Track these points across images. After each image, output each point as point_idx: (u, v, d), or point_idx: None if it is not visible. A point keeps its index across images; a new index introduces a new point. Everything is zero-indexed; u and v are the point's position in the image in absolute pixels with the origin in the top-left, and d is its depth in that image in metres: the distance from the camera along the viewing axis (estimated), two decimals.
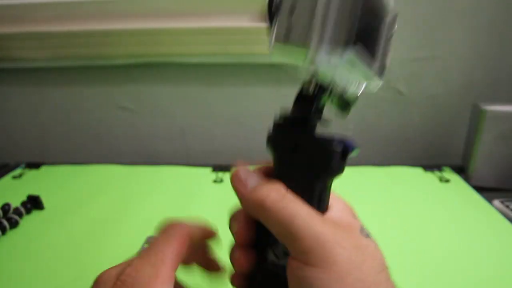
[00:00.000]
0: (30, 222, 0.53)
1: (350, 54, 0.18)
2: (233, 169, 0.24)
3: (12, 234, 0.50)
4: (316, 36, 0.18)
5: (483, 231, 0.50)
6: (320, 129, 0.23)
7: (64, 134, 0.84)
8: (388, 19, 0.22)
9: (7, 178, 0.68)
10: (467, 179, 0.65)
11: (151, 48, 0.71)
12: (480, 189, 0.61)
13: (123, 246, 0.47)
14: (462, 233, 0.49)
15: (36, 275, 0.42)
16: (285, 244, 0.21)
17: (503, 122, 0.61)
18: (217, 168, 0.70)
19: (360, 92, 0.23)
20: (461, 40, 0.71)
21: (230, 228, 0.26)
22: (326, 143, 0.22)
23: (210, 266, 0.28)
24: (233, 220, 0.26)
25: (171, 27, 0.70)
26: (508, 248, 0.46)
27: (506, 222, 0.51)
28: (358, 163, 0.71)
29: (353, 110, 0.77)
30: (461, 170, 0.68)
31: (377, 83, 0.23)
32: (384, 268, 0.21)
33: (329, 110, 0.25)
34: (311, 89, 0.22)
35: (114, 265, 0.23)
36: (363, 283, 0.19)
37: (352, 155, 0.22)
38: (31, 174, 0.70)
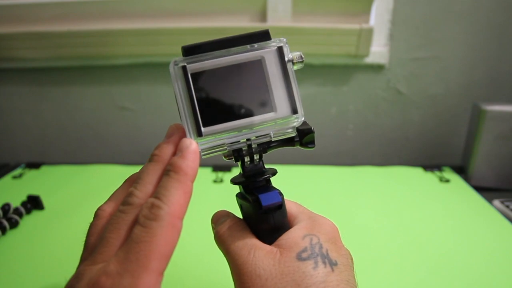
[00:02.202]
0: (30, 222, 0.53)
1: (205, 137, 0.23)
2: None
3: (12, 234, 0.50)
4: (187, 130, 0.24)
5: (483, 231, 0.49)
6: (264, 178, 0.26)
7: (64, 134, 0.84)
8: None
9: (7, 178, 0.68)
10: (467, 179, 0.65)
11: (151, 48, 0.71)
12: (480, 189, 0.61)
13: None
14: (462, 233, 0.49)
15: (36, 275, 0.42)
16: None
17: (503, 122, 0.61)
18: (217, 168, 0.70)
19: (286, 131, 0.26)
20: (461, 40, 0.71)
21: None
22: (252, 205, 0.25)
23: None
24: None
25: (171, 27, 0.70)
26: (508, 248, 0.46)
27: (506, 222, 0.51)
28: (358, 163, 0.71)
29: (353, 110, 0.78)
30: (461, 170, 0.68)
31: (295, 119, 0.25)
32: None
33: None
34: (228, 159, 0.26)
35: (82, 256, 0.21)
36: None
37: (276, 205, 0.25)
38: (31, 174, 0.70)
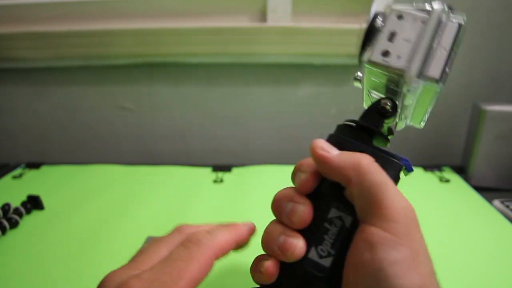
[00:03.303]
0: (30, 222, 0.53)
1: (438, 88, 0.25)
2: (313, 142, 0.25)
3: (12, 234, 0.50)
4: (415, 68, 0.24)
5: (483, 231, 0.49)
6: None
7: (64, 134, 0.84)
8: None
9: (7, 178, 0.68)
10: (467, 179, 0.65)
11: (151, 48, 0.71)
12: (480, 189, 0.61)
13: (123, 246, 0.47)
14: (462, 233, 0.49)
15: (36, 275, 0.42)
16: (366, 208, 0.22)
17: (503, 122, 0.61)
18: (217, 168, 0.70)
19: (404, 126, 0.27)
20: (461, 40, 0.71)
21: (293, 177, 0.26)
22: (390, 158, 0.25)
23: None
24: (299, 171, 0.26)
25: (171, 27, 0.70)
26: (508, 248, 0.46)
27: (506, 222, 0.51)
28: None
29: (353, 110, 0.78)
30: (461, 170, 0.68)
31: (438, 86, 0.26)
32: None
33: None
34: (388, 107, 0.26)
35: (122, 265, 0.21)
36: (430, 268, 0.20)
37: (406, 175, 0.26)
38: (31, 174, 0.70)
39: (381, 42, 0.25)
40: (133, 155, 0.84)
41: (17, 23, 0.75)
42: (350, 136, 0.26)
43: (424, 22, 0.24)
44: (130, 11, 0.74)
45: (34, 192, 0.57)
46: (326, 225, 0.24)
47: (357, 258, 0.21)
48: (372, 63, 0.25)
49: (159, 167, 0.72)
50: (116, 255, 0.44)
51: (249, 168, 0.70)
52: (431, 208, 0.56)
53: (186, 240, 0.22)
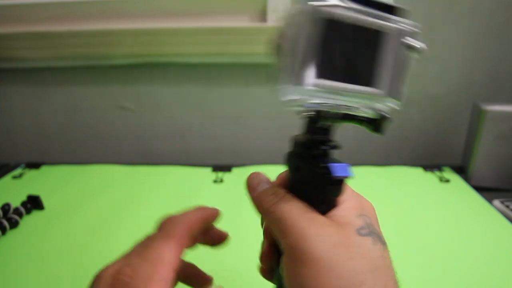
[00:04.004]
0: (30, 222, 0.53)
1: (310, 88, 0.21)
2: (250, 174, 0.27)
3: (12, 234, 0.50)
4: (285, 75, 0.21)
5: (483, 231, 0.49)
6: (326, 153, 0.25)
7: (64, 134, 0.84)
8: (386, 46, 0.23)
9: (7, 178, 0.68)
10: (467, 179, 0.65)
11: (151, 48, 0.71)
12: (480, 189, 0.61)
13: (123, 246, 0.47)
14: (462, 233, 0.49)
15: (36, 275, 0.42)
16: (278, 242, 0.23)
17: (503, 122, 0.61)
18: (217, 168, 0.70)
19: (380, 112, 0.25)
20: (461, 40, 0.71)
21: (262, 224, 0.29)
22: (320, 172, 0.23)
23: (215, 240, 0.31)
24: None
25: (171, 27, 0.70)
26: (508, 248, 0.46)
27: (506, 222, 0.51)
28: (358, 163, 0.71)
29: None
30: (461, 170, 0.68)
31: (392, 104, 0.24)
32: (375, 269, 0.21)
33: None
34: (306, 117, 0.24)
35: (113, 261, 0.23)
36: (343, 281, 0.19)
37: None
38: (31, 174, 0.70)
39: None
40: (133, 155, 0.84)
41: (17, 23, 0.75)
42: (290, 154, 0.26)
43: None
44: (130, 11, 0.74)
45: (34, 192, 0.57)
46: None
47: None
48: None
49: (159, 167, 0.72)
50: (116, 255, 0.44)
51: (249, 168, 0.69)
52: (431, 208, 0.56)
53: (160, 223, 0.25)
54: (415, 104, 0.77)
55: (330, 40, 0.21)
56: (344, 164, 0.24)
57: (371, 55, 0.23)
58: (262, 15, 0.73)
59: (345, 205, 0.24)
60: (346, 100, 0.23)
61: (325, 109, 0.23)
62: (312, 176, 0.24)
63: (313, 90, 0.21)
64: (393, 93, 0.24)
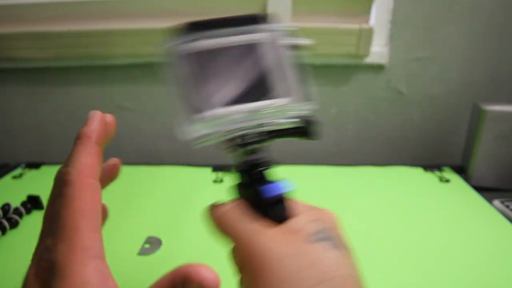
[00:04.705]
0: (30, 222, 0.53)
1: (199, 122, 0.21)
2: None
3: (12, 234, 0.50)
4: (183, 115, 0.22)
5: (483, 231, 0.49)
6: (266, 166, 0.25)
7: (64, 134, 0.84)
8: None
9: (7, 178, 0.68)
10: (467, 179, 0.65)
11: (151, 48, 0.71)
12: (480, 189, 0.61)
13: (123, 246, 0.47)
14: (462, 233, 0.49)
15: None
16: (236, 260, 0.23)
17: (503, 122, 0.61)
18: (217, 168, 0.70)
19: (298, 118, 0.24)
20: (461, 40, 0.71)
21: (233, 260, 0.27)
22: (255, 196, 0.24)
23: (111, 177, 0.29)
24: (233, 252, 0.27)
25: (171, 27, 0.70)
26: (508, 248, 0.46)
27: (506, 222, 0.51)
28: (358, 163, 0.71)
29: (353, 110, 0.77)
30: (461, 170, 0.68)
31: (306, 107, 0.24)
32: (328, 279, 0.19)
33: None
34: (227, 150, 0.24)
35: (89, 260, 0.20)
36: None
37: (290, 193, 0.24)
38: (31, 174, 0.70)
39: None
40: (133, 155, 0.84)
41: (17, 23, 0.75)
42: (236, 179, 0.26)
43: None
44: (130, 11, 0.74)
45: (34, 192, 0.57)
46: None
47: None
48: None
49: (159, 167, 0.72)
50: (116, 254, 0.44)
51: None
52: (431, 208, 0.56)
53: (57, 187, 0.21)
54: (415, 104, 0.77)
55: (211, 68, 0.21)
56: (283, 181, 0.24)
57: (259, 69, 0.22)
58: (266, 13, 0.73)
59: (299, 215, 0.23)
60: (256, 118, 0.22)
61: (243, 133, 0.23)
62: (252, 199, 0.24)
63: (218, 118, 0.21)
64: (300, 97, 0.23)
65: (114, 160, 0.28)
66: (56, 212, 0.20)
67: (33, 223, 0.53)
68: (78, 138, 0.22)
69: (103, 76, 0.78)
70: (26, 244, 0.47)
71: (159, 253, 0.46)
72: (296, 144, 0.78)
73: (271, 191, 0.23)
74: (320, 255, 0.20)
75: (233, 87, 0.22)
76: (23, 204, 0.54)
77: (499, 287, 0.40)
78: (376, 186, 0.63)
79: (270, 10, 0.71)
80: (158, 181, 0.66)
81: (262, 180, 0.24)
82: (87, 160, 0.21)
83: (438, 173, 0.68)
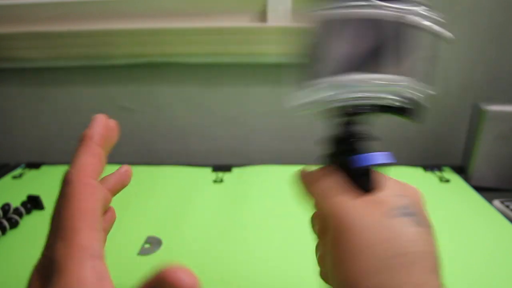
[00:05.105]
0: (30, 222, 0.53)
1: (317, 86, 0.22)
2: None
3: (12, 234, 0.50)
4: (313, 74, 0.23)
5: (483, 231, 0.50)
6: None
7: (64, 134, 0.84)
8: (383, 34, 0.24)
9: (7, 178, 0.68)
10: (467, 179, 0.65)
11: (151, 48, 0.71)
12: (480, 189, 0.61)
13: (123, 246, 0.47)
14: (462, 233, 0.49)
15: None
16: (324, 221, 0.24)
17: (503, 122, 0.61)
18: (217, 168, 0.70)
19: (413, 97, 0.25)
20: (461, 40, 0.71)
21: (312, 227, 0.29)
22: (345, 164, 0.24)
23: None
24: (314, 219, 0.29)
25: (171, 27, 0.70)
26: (508, 248, 0.46)
27: (506, 222, 0.51)
28: None
29: (353, 110, 0.75)
30: (461, 170, 0.68)
31: (424, 89, 0.25)
32: (404, 254, 0.20)
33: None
34: (338, 116, 0.25)
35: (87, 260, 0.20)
36: (377, 262, 0.20)
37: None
38: (31, 174, 0.70)
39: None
40: (133, 155, 0.84)
41: (17, 23, 0.75)
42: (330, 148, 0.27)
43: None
44: (130, 11, 0.74)
45: (34, 192, 0.57)
46: None
47: None
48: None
49: (159, 167, 0.72)
50: (116, 254, 0.44)
51: (249, 168, 0.70)
52: (431, 208, 0.56)
53: (61, 188, 0.21)
54: None
55: (349, 36, 0.22)
56: (378, 153, 0.25)
57: (392, 45, 0.23)
58: (262, 15, 0.73)
59: (387, 189, 0.24)
60: (375, 89, 0.23)
61: (354, 103, 0.24)
62: (344, 167, 0.25)
63: (346, 80, 0.22)
64: (421, 78, 0.24)
65: (125, 167, 0.29)
66: (56, 211, 0.20)
67: (33, 223, 0.53)
68: (80, 140, 0.23)
69: (103, 76, 0.78)
70: (26, 244, 0.48)
71: (159, 253, 0.46)
72: (296, 144, 0.78)
73: (365, 160, 0.24)
74: (400, 230, 0.21)
75: (355, 58, 0.23)
76: (23, 204, 0.54)
77: (499, 287, 0.40)
78: None
79: (270, 10, 0.71)
80: (158, 181, 0.66)
81: (358, 150, 0.25)
82: (88, 160, 0.22)
83: (438, 173, 0.68)
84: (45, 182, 0.66)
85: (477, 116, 0.63)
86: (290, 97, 0.23)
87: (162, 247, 0.47)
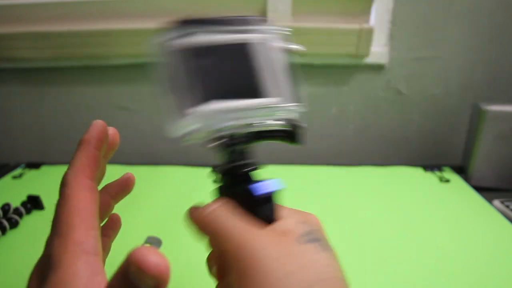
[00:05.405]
0: (30, 222, 0.53)
1: (188, 117, 0.21)
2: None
3: (12, 234, 0.50)
4: (174, 109, 0.22)
5: (483, 231, 0.50)
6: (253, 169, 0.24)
7: (64, 134, 0.84)
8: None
9: (7, 178, 0.68)
10: (467, 179, 0.65)
11: (146, 46, 0.71)
12: (480, 189, 0.61)
13: (123, 246, 0.47)
14: (462, 233, 0.49)
15: None
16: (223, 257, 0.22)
17: (503, 122, 0.61)
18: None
19: (285, 122, 0.24)
20: (461, 40, 0.71)
21: (209, 270, 0.28)
22: (243, 194, 0.23)
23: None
24: (210, 261, 0.28)
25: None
26: (508, 248, 0.46)
27: (506, 222, 0.51)
28: (358, 163, 0.71)
29: (353, 110, 0.77)
30: (461, 170, 0.68)
31: (295, 108, 0.24)
32: (322, 279, 0.19)
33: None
34: (217, 148, 0.24)
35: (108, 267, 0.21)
36: None
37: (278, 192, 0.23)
38: (31, 174, 0.70)
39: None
40: (133, 155, 0.84)
41: (17, 23, 0.75)
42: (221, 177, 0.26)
43: None
44: (130, 11, 0.74)
45: (34, 192, 0.57)
46: None
47: None
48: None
49: (159, 167, 0.72)
50: (115, 254, 0.44)
51: None
52: (431, 208, 0.56)
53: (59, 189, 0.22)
54: (415, 104, 0.77)
55: (202, 65, 0.21)
56: (272, 180, 0.23)
57: (250, 68, 0.22)
58: (262, 15, 0.73)
59: (288, 217, 0.23)
60: (246, 116, 0.22)
61: (231, 132, 0.23)
62: (240, 198, 0.23)
63: (207, 114, 0.21)
64: (290, 98, 0.23)
65: (128, 174, 0.30)
66: (55, 212, 0.21)
67: (33, 223, 0.52)
68: (78, 144, 0.24)
69: (103, 76, 0.78)
70: (26, 244, 0.48)
71: None
72: None
73: (261, 189, 0.23)
74: (312, 256, 0.20)
75: (223, 85, 0.22)
76: (23, 204, 0.54)
77: (499, 287, 0.40)
78: (376, 186, 0.63)
79: (270, 10, 0.71)
80: (158, 181, 0.66)
81: (250, 180, 0.24)
82: (84, 162, 0.23)
83: (438, 173, 0.68)
84: (45, 182, 0.66)
85: (477, 116, 0.63)
86: (171, 127, 0.22)
87: (162, 247, 0.47)
